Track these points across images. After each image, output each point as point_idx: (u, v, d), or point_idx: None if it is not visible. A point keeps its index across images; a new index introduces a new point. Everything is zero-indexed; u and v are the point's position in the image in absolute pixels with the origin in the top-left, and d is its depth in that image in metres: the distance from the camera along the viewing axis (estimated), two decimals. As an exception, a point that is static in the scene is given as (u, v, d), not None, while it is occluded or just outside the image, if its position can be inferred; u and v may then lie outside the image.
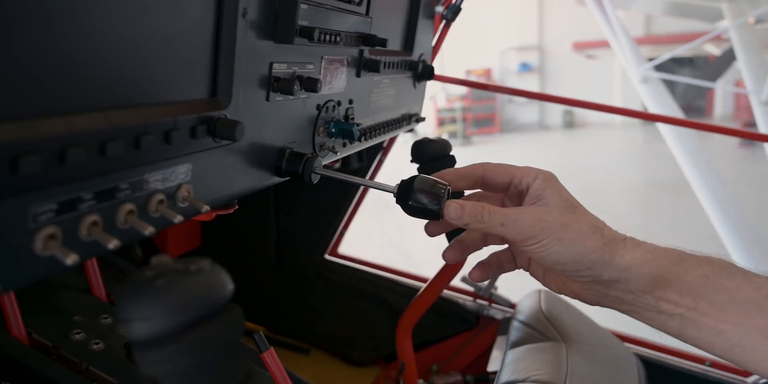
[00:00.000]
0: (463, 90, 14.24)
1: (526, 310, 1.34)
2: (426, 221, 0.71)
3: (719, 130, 1.51)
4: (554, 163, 9.81)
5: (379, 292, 1.58)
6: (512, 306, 1.50)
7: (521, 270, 0.70)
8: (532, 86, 14.39)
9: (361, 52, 0.95)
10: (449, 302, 1.54)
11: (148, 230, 0.51)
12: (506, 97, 14.41)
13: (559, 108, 14.13)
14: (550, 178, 0.63)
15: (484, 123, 14.33)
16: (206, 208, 0.59)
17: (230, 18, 0.60)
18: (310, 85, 0.76)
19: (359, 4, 0.86)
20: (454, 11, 1.32)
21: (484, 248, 0.73)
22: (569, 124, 14.51)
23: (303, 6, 0.68)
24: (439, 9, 1.32)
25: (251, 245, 1.68)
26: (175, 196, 0.58)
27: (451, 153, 1.14)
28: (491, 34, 14.05)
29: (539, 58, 14.41)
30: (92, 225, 0.48)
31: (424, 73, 1.27)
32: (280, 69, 0.71)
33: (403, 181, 0.69)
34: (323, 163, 0.95)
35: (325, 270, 1.64)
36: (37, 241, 0.43)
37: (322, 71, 0.84)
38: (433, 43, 1.37)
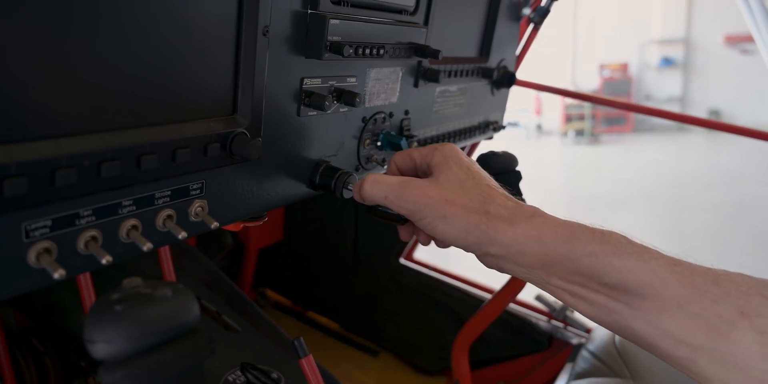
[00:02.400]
0: (594, 85, 13.44)
1: (598, 339, 1.23)
2: None
3: None
4: (693, 171, 8.94)
5: (450, 302, 1.55)
6: (588, 331, 1.39)
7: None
8: (674, 83, 13.20)
9: (420, 62, 0.92)
10: (521, 320, 1.47)
11: (147, 246, 0.53)
12: (642, 93, 13.37)
13: (703, 107, 12.83)
14: (446, 154, 0.62)
15: (616, 121, 13.39)
16: (215, 224, 0.60)
17: (250, 37, 0.60)
18: (349, 99, 0.74)
19: (413, 13, 0.83)
20: (542, 14, 1.23)
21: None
22: (715, 125, 13.12)
23: (334, 21, 0.66)
24: (527, 11, 1.24)
25: (330, 243, 1.72)
26: (187, 211, 0.60)
27: (518, 168, 1.08)
28: (631, 25, 13.07)
29: (684, 52, 13.15)
30: (91, 240, 0.51)
31: (502, 80, 1.20)
32: (312, 84, 0.71)
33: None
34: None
35: (398, 274, 1.63)
36: (31, 255, 0.47)
37: (369, 84, 0.82)
38: (519, 48, 1.30)
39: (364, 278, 1.68)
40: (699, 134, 12.80)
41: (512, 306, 1.50)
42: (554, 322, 1.45)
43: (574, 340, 1.41)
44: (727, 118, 12.87)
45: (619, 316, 0.50)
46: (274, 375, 1.03)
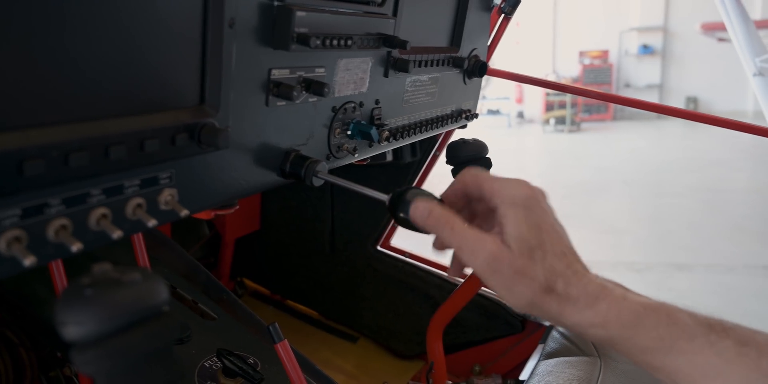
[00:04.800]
0: (575, 73, 13.54)
1: (568, 320, 1.27)
2: None
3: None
4: (671, 158, 9.09)
5: (426, 288, 1.58)
6: (560, 314, 1.43)
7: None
8: (653, 70, 13.35)
9: (389, 52, 0.93)
10: (496, 304, 1.50)
11: (117, 234, 0.55)
12: (622, 81, 13.52)
13: (681, 95, 13.00)
14: (515, 204, 0.56)
15: (596, 109, 13.53)
16: (185, 212, 0.62)
17: (216, 29, 0.61)
18: (318, 89, 0.76)
19: (381, 4, 0.85)
20: (512, 4, 1.25)
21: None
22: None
23: (300, 13, 0.68)
24: (497, 1, 1.26)
25: (307, 231, 1.74)
26: (157, 200, 0.61)
27: (488, 155, 1.10)
28: (611, 13, 13.15)
29: (663, 40, 13.29)
30: (61, 228, 0.52)
31: (474, 69, 1.22)
32: (281, 74, 0.72)
33: (395, 191, 0.69)
34: (346, 163, 0.96)
35: (375, 261, 1.65)
36: (1, 243, 0.48)
37: (338, 74, 0.84)
38: (490, 38, 1.32)
39: (341, 266, 1.71)
40: (678, 121, 12.96)
41: (487, 289, 1.53)
42: (527, 306, 1.49)
43: (547, 322, 1.45)
44: (704, 105, 13.06)
45: None
46: (251, 360, 1.05)
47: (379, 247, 1.67)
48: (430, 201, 0.61)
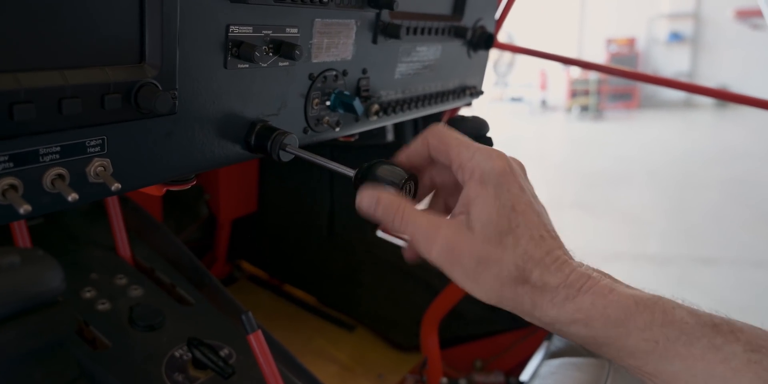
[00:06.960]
0: (601, 60, 13.17)
1: (575, 316, 1.18)
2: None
3: None
4: (699, 148, 8.81)
5: (427, 277, 1.49)
6: (568, 309, 1.34)
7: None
8: (682, 58, 12.93)
9: (378, 15, 0.84)
10: (499, 296, 1.41)
11: (24, 209, 0.47)
12: (649, 68, 13.11)
13: (711, 84, 12.57)
14: (485, 181, 0.48)
15: (622, 97, 13.15)
16: (116, 186, 0.53)
17: (154, -28, 0.52)
18: (288, 51, 0.67)
19: (366, -43, 0.75)
20: (523, -31, 1.14)
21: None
22: (722, 102, 12.88)
23: (260, -42, 0.58)
24: (508, -34, 1.15)
25: (305, 214, 1.66)
26: (84, 171, 0.53)
27: (489, 134, 1.01)
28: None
29: (694, 27, 12.83)
30: (-44, 200, 0.44)
31: (479, 41, 1.12)
32: (241, 32, 0.63)
33: (362, 166, 0.61)
34: (327, 138, 0.87)
35: (374, 247, 1.57)
36: None
37: (314, 36, 0.74)
38: (501, 8, 1.21)
39: (340, 250, 1.63)
40: (706, 111, 12.61)
41: (491, 282, 1.44)
42: (533, 299, 1.40)
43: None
44: (736, 95, 12.57)
45: None
46: (225, 351, 0.98)
47: (379, 232, 1.59)
48: (374, 188, 0.54)
